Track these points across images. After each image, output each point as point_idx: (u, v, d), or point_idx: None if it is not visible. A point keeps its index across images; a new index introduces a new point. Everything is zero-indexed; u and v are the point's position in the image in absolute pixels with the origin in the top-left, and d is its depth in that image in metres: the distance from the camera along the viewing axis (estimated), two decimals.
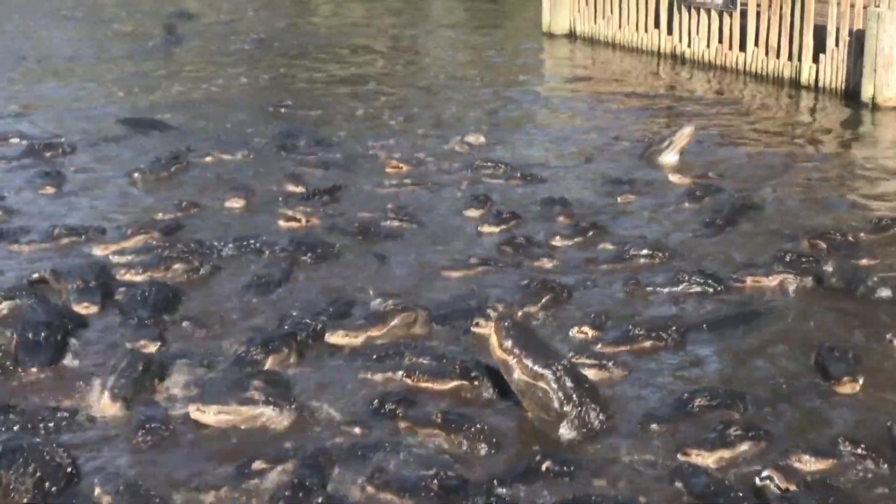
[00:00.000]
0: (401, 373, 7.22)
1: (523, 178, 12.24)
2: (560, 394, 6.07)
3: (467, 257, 9.54)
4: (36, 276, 9.02)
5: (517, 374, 5.96)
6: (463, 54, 21.31)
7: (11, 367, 7.42)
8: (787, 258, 9.43)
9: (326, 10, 27.18)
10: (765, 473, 5.89)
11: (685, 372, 7.60)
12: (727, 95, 17.26)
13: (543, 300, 8.54)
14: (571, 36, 22.15)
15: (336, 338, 7.71)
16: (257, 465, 6.02)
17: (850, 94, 16.09)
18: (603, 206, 11.34)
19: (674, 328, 8.05)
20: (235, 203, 11.18)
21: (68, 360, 7.58)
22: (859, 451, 6.26)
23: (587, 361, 7.36)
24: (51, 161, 12.94)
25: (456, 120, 15.52)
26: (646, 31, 20.43)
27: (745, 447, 6.36)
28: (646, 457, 6.34)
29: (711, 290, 8.88)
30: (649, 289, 8.90)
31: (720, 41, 18.82)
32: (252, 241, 9.95)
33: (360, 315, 8.07)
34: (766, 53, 17.84)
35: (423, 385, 7.13)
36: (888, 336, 8.01)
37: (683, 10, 19.48)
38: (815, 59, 16.89)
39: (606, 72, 19.49)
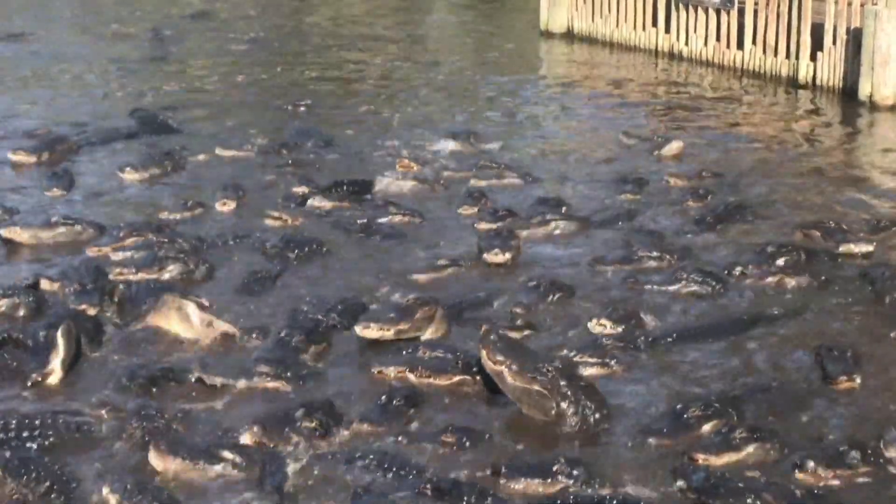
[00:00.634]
0: (405, 367, 7.32)
1: (522, 177, 12.25)
2: (555, 394, 6.14)
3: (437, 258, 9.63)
4: (28, 280, 8.99)
5: (511, 382, 6.06)
6: (461, 53, 21.31)
7: None
8: (785, 256, 9.47)
9: (326, 10, 27.16)
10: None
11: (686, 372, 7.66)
12: (725, 93, 17.28)
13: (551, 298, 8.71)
14: (569, 34, 22.14)
15: (370, 332, 7.75)
16: None
17: (848, 93, 16.11)
18: (603, 205, 11.37)
19: (673, 328, 8.11)
20: (228, 204, 11.18)
21: None
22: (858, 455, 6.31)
23: (589, 359, 7.44)
24: (56, 161, 12.91)
25: (456, 119, 15.51)
26: (643, 29, 20.44)
27: (751, 449, 6.40)
28: (647, 454, 6.39)
29: (710, 288, 8.91)
30: (648, 287, 8.93)
31: (718, 39, 18.84)
32: (248, 239, 10.04)
33: (383, 309, 8.12)
34: (764, 51, 17.87)
35: (425, 380, 7.22)
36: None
37: (681, 8, 19.50)
38: (813, 58, 16.92)
39: (604, 70, 19.51)
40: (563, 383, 6.16)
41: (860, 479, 6.21)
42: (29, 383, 7.25)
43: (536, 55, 21.31)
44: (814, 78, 16.89)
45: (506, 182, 12.06)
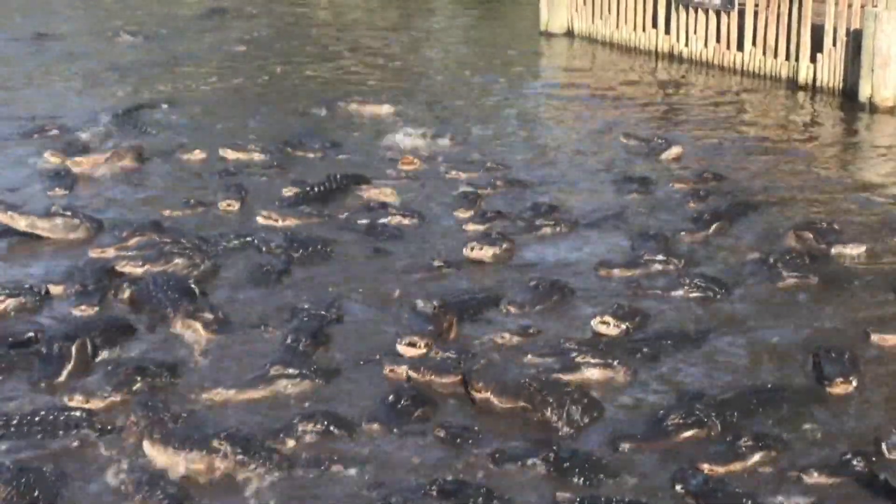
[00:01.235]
0: (407, 368, 7.38)
1: (518, 180, 12.30)
2: (539, 406, 6.49)
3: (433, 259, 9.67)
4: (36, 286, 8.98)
5: (499, 405, 6.46)
6: (461, 53, 21.32)
7: None
8: (785, 258, 9.51)
9: (325, 13, 27.18)
10: None
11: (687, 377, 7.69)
12: (724, 95, 17.30)
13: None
14: (569, 35, 22.17)
15: (413, 350, 7.70)
16: None
17: (848, 94, 16.13)
18: (603, 207, 11.40)
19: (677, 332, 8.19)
20: (233, 205, 11.20)
21: None
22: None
23: (592, 360, 7.48)
24: (59, 161, 12.96)
25: (455, 120, 15.52)
26: (643, 30, 20.46)
27: (757, 458, 6.42)
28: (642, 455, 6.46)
29: (712, 293, 8.93)
30: (651, 292, 8.96)
31: (718, 41, 18.87)
32: (251, 238, 10.09)
33: (413, 320, 8.09)
34: (764, 53, 17.90)
35: (428, 379, 7.29)
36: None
37: (681, 9, 19.52)
38: (813, 59, 16.94)
39: (604, 71, 19.52)
40: (545, 395, 6.46)
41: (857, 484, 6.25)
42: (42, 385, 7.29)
43: (536, 56, 21.32)
44: (814, 79, 16.91)
45: (502, 183, 12.08)
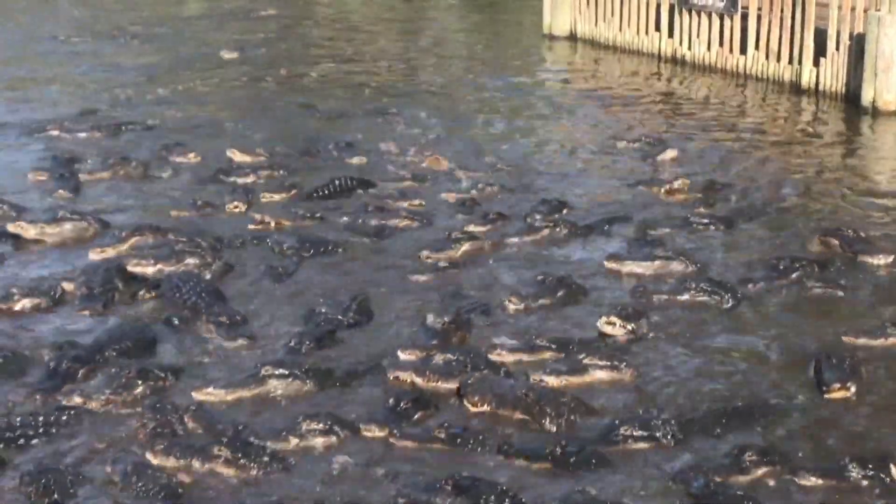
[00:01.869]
0: (412, 372, 7.42)
1: (521, 180, 12.36)
2: (537, 416, 6.60)
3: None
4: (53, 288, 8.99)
5: (499, 412, 6.56)
6: (464, 56, 21.34)
7: None
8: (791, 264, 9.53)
9: (325, 13, 27.22)
10: None
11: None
12: (727, 99, 17.34)
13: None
14: (572, 38, 22.20)
15: (414, 356, 7.69)
16: None
17: (851, 98, 16.16)
18: (603, 208, 11.44)
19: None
20: (239, 207, 11.23)
21: None
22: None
23: (599, 362, 7.52)
24: (63, 161, 12.97)
25: (455, 122, 15.55)
26: (646, 33, 20.50)
27: (761, 472, 6.41)
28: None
29: (719, 298, 8.94)
30: (656, 296, 8.98)
31: (721, 44, 18.90)
32: (261, 239, 10.15)
33: (426, 334, 8.08)
34: (767, 57, 17.93)
35: (433, 384, 7.33)
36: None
37: (684, 12, 19.56)
38: (816, 63, 16.97)
39: (607, 74, 19.56)
40: (542, 405, 6.58)
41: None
42: (38, 398, 7.25)
43: (539, 58, 21.35)
44: (816, 83, 16.94)
45: (504, 187, 12.14)
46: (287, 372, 7.29)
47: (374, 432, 6.76)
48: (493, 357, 7.71)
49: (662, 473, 6.36)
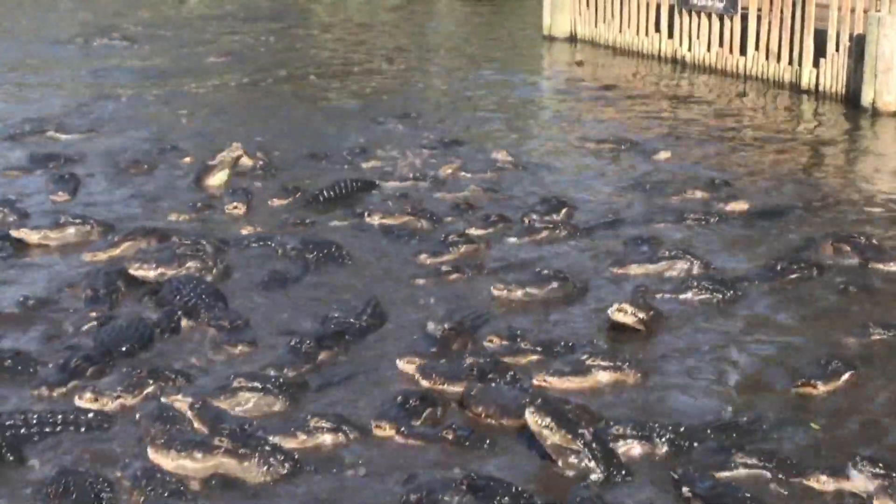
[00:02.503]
0: (418, 375, 7.41)
1: (521, 182, 12.37)
2: (589, 456, 6.38)
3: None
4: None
5: (552, 441, 6.36)
6: (464, 58, 21.37)
7: None
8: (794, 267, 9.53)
9: (323, 16, 27.24)
10: None
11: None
12: (727, 99, 17.36)
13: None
14: (572, 39, 22.22)
15: (411, 364, 7.62)
16: None
17: (851, 99, 16.18)
18: (601, 209, 11.45)
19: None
20: (239, 208, 11.23)
21: None
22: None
23: (602, 363, 7.52)
24: (63, 163, 12.97)
25: (455, 125, 15.55)
26: (646, 34, 20.53)
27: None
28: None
29: (721, 295, 8.96)
30: (659, 295, 8.98)
31: (721, 45, 18.92)
32: (266, 242, 10.14)
33: (420, 339, 8.03)
34: (767, 57, 17.95)
35: (440, 387, 7.32)
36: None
37: (684, 13, 19.58)
38: (816, 64, 16.99)
39: (607, 75, 19.57)
40: (595, 445, 6.40)
41: None
42: (35, 392, 7.27)
43: (539, 60, 21.37)
44: (816, 84, 16.96)
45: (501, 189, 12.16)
46: (261, 385, 7.20)
47: (384, 430, 6.77)
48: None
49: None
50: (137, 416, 6.88)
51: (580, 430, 6.36)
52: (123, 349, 7.78)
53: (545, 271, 9.15)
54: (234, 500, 6.11)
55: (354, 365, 7.77)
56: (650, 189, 12.13)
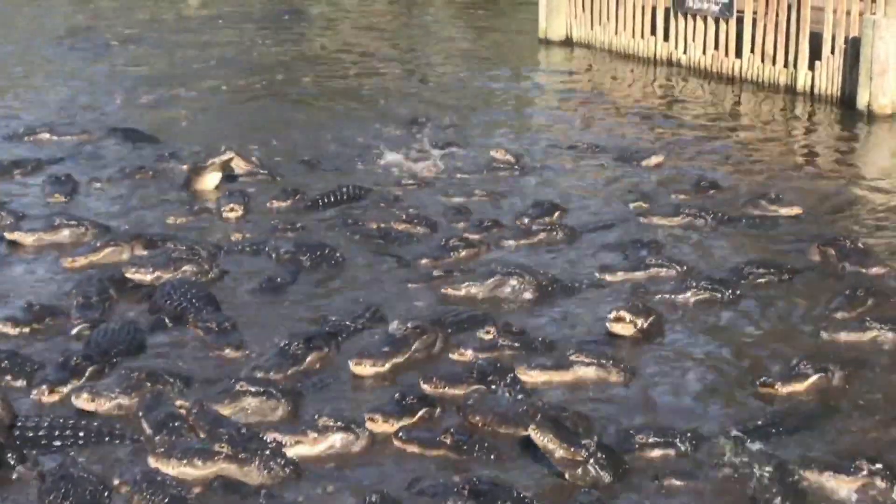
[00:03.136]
0: (419, 379, 7.40)
1: (516, 186, 12.42)
2: (595, 467, 6.40)
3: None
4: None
5: (558, 455, 6.38)
6: (459, 61, 21.32)
7: None
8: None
9: (320, 20, 27.24)
10: None
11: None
12: (722, 102, 17.36)
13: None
14: (568, 42, 22.21)
15: (362, 369, 7.61)
16: None
17: (846, 102, 16.19)
18: (594, 214, 11.47)
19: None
20: (236, 210, 11.21)
21: None
22: None
23: (585, 359, 7.54)
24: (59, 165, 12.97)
25: (450, 127, 15.53)
26: (642, 37, 20.51)
27: None
28: None
29: (720, 295, 8.98)
30: (658, 297, 9.00)
31: (716, 48, 18.92)
32: (261, 245, 10.14)
33: (382, 341, 7.95)
34: (762, 60, 17.95)
35: (441, 391, 7.31)
36: None
37: (680, 16, 19.58)
38: (811, 67, 17.00)
39: (603, 78, 19.57)
40: (600, 455, 6.44)
41: None
42: (34, 392, 7.27)
43: (534, 63, 21.35)
44: (812, 87, 16.97)
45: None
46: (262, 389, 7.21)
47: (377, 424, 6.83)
48: (454, 356, 7.75)
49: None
50: (140, 422, 6.89)
51: (584, 442, 6.38)
52: (114, 352, 7.76)
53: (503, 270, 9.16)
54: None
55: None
56: (644, 192, 12.11)
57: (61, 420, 6.78)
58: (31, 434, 6.66)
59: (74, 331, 8.25)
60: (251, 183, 12.41)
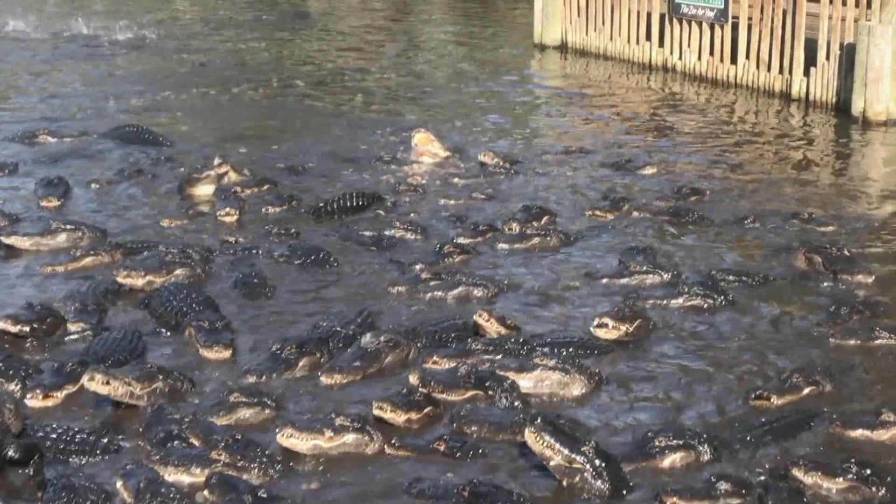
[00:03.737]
0: (417, 383, 7.37)
1: (510, 189, 12.42)
2: (592, 472, 6.34)
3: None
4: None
5: (555, 462, 6.32)
6: (454, 65, 21.34)
7: None
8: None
9: (316, 24, 27.23)
10: None
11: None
12: (718, 108, 17.37)
13: None
14: (563, 47, 22.23)
15: (333, 381, 7.55)
16: None
17: (841, 108, 16.21)
18: (586, 219, 11.43)
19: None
20: (231, 214, 11.20)
21: None
22: None
23: (549, 363, 7.54)
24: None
25: (447, 130, 15.52)
26: (637, 42, 20.54)
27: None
28: None
29: (712, 301, 8.96)
30: (650, 302, 8.98)
31: (711, 54, 18.94)
32: (255, 249, 10.15)
33: (353, 354, 7.84)
34: (757, 66, 17.97)
35: (439, 395, 7.28)
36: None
37: (675, 22, 19.60)
38: (806, 73, 17.02)
39: (598, 84, 19.55)
40: (597, 462, 6.37)
41: None
42: (29, 396, 7.21)
43: (529, 68, 21.36)
44: (807, 93, 16.99)
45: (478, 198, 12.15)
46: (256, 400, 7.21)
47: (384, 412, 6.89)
48: (428, 365, 7.72)
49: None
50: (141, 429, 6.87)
51: (582, 448, 6.33)
52: (112, 360, 7.71)
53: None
54: None
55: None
56: (635, 197, 12.11)
57: (67, 428, 6.74)
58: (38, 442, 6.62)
59: (74, 336, 8.21)
60: (246, 188, 12.35)
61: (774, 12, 17.55)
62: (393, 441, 6.71)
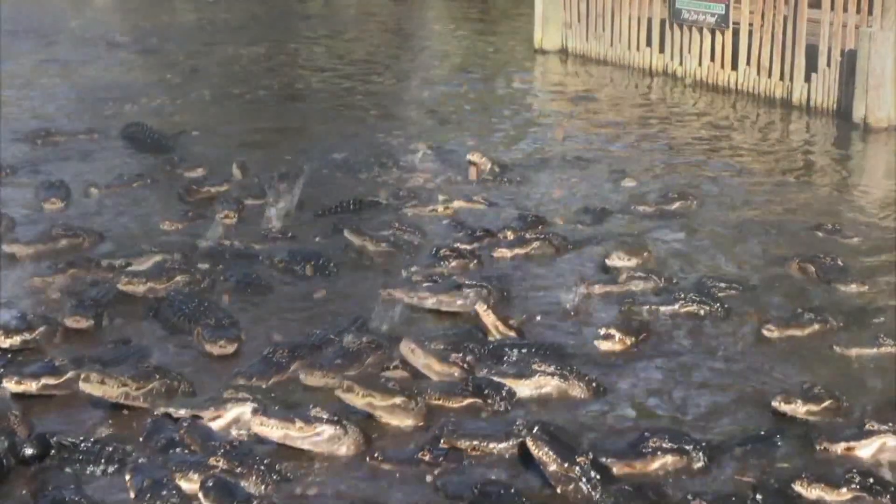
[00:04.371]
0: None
1: (506, 195, 12.42)
2: (585, 482, 6.33)
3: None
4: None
5: (551, 469, 6.32)
6: (454, 71, 21.33)
7: None
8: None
9: (315, 27, 27.22)
10: None
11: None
12: (718, 114, 17.34)
13: None
14: (563, 53, 22.21)
15: (314, 379, 7.53)
16: None
17: (842, 114, 16.19)
18: (581, 227, 11.40)
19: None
20: (230, 217, 11.17)
21: None
22: None
23: (547, 369, 7.52)
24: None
25: (445, 134, 15.50)
26: (637, 48, 20.52)
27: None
28: None
29: (708, 308, 8.92)
30: (646, 307, 8.95)
31: (712, 59, 18.92)
32: (254, 253, 10.15)
33: (335, 353, 7.87)
34: (758, 72, 17.94)
35: (437, 403, 7.24)
36: None
37: (675, 28, 19.58)
38: (807, 79, 17.00)
39: (597, 90, 19.49)
40: (592, 473, 6.37)
41: None
42: (3, 382, 7.19)
43: (529, 73, 21.33)
44: (808, 99, 16.96)
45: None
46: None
47: None
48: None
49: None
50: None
51: (577, 458, 6.32)
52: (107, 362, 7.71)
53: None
54: None
55: None
56: (633, 205, 12.08)
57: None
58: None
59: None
60: (247, 191, 12.36)
61: (775, 18, 17.54)
62: (375, 453, 6.64)
